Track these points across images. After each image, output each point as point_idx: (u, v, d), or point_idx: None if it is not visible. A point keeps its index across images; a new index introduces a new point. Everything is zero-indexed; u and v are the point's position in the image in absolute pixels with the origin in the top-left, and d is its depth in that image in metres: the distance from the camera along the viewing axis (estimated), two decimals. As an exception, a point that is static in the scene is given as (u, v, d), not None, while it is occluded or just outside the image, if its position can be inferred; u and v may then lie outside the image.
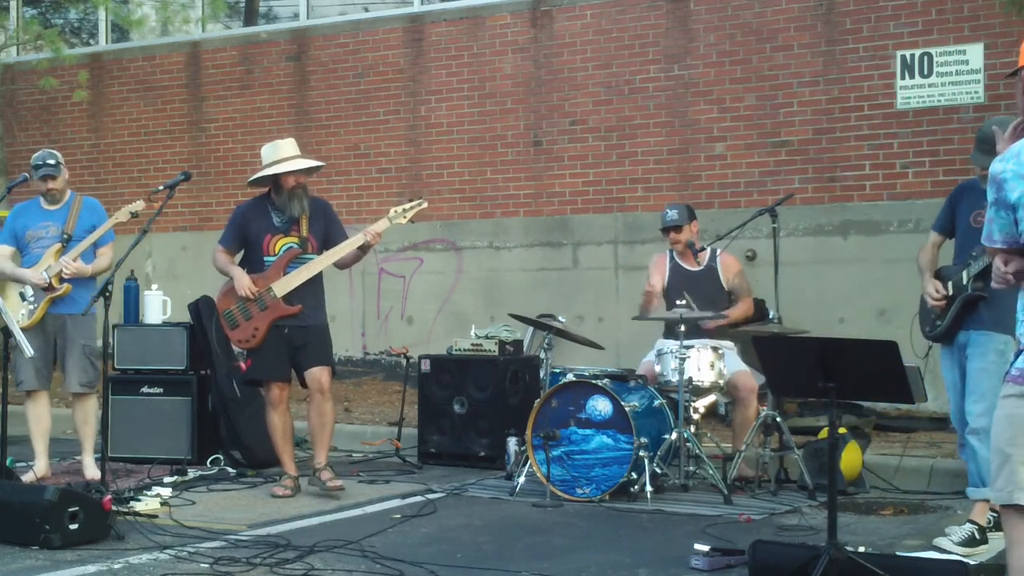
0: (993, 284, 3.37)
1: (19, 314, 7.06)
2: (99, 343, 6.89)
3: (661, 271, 7.45)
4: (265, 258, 6.77)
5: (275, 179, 6.75)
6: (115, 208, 7.40)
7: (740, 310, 7.32)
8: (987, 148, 5.32)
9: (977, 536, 5.32)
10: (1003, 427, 3.16)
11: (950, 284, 5.58)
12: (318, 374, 6.72)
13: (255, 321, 6.70)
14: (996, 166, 3.16)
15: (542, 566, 5.06)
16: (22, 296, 7.08)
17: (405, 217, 6.78)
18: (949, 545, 5.28)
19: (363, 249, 6.74)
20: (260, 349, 6.74)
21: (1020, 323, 3.18)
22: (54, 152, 7.34)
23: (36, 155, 7.31)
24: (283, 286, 6.66)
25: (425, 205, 6.98)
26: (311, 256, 6.74)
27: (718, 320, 7.14)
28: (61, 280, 7.04)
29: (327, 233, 6.81)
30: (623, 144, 10.30)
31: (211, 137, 12.16)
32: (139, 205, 6.99)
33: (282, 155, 6.78)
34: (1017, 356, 3.16)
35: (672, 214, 7.42)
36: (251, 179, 6.98)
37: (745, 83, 9.86)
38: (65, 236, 7.10)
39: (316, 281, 6.79)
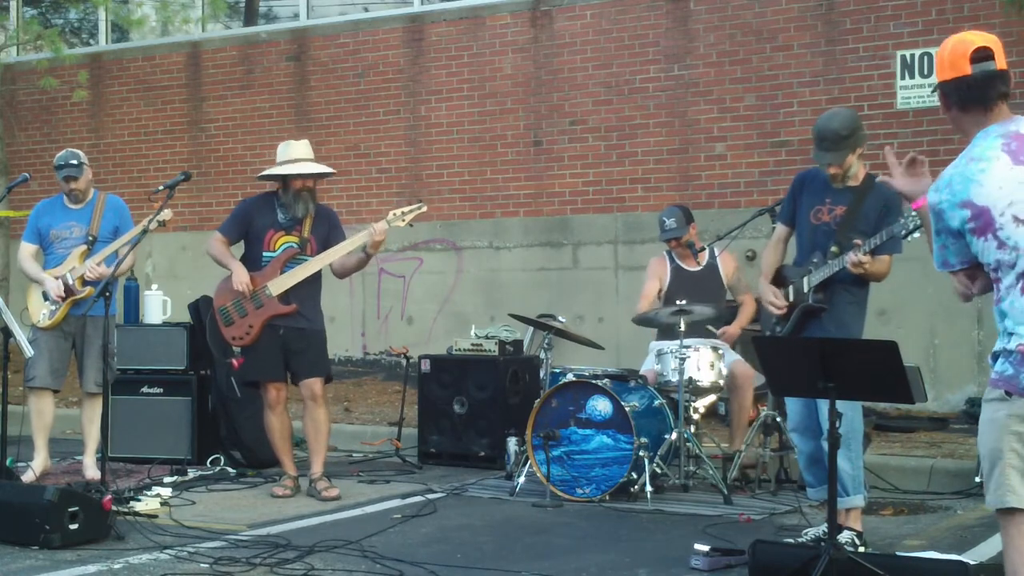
0: (962, 300, 3.39)
1: (41, 314, 7.07)
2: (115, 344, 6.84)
3: (660, 275, 7.44)
4: (264, 253, 6.77)
5: (283, 178, 6.79)
6: (137, 211, 7.38)
7: (747, 314, 7.32)
8: (826, 145, 5.27)
9: (857, 542, 5.16)
10: (987, 430, 3.19)
11: (791, 289, 5.50)
12: (312, 384, 6.73)
13: (250, 319, 6.69)
14: (932, 196, 3.25)
15: (542, 566, 5.06)
16: (44, 296, 7.09)
17: (404, 220, 6.77)
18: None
19: (366, 252, 6.69)
20: (254, 348, 6.73)
21: (1001, 333, 3.19)
22: (77, 152, 7.31)
23: (59, 155, 7.29)
24: (279, 285, 6.66)
25: (425, 209, 6.96)
26: (308, 258, 6.74)
27: (732, 332, 7.21)
28: (84, 283, 7.04)
29: (328, 240, 6.79)
30: (623, 144, 10.30)
31: (211, 137, 12.16)
32: (167, 214, 6.80)
33: (293, 156, 6.82)
34: (995, 359, 3.17)
35: (670, 223, 7.37)
36: (260, 175, 7.10)
37: (745, 83, 9.86)
38: (90, 238, 7.10)
39: (314, 284, 6.80)
